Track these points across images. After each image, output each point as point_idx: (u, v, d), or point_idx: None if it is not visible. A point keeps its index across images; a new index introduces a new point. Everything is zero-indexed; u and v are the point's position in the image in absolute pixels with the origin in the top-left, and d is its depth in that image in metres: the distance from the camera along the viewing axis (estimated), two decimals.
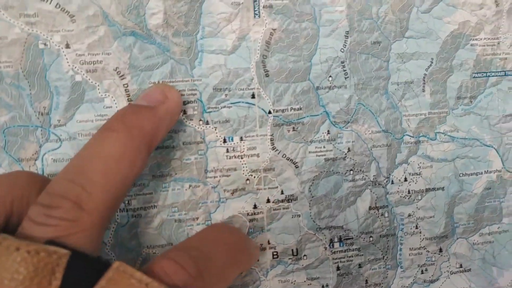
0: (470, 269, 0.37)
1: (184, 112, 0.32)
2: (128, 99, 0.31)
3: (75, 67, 0.30)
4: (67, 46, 0.30)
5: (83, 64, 0.30)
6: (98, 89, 0.30)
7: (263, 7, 0.32)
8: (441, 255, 0.37)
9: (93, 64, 0.30)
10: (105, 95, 0.30)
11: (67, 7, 0.29)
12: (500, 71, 0.37)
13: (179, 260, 0.24)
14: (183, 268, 0.23)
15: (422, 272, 0.36)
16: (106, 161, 0.24)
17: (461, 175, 0.37)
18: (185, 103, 0.32)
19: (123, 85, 0.31)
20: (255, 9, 0.32)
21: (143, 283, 0.21)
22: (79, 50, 0.30)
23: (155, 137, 0.26)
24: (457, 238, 0.37)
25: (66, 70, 0.30)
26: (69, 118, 0.30)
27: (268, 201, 0.33)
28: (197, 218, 0.32)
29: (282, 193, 0.34)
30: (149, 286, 0.21)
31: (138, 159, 0.25)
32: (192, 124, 0.32)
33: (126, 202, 0.31)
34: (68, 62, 0.30)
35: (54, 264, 0.20)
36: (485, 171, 0.37)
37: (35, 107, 0.30)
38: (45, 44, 0.29)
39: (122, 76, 0.30)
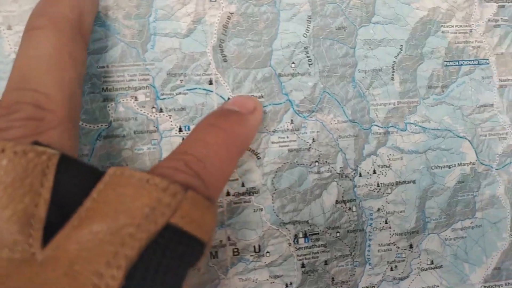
0: (441, 265, 0.35)
1: (135, 98, 0.30)
2: None
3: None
4: (9, 28, 0.28)
5: None
6: None
7: None
8: (412, 251, 0.35)
9: None
10: None
11: None
12: (473, 60, 0.36)
13: (174, 165, 0.22)
14: (180, 171, 0.22)
15: (391, 269, 0.35)
16: (46, 60, 0.22)
17: (433, 167, 0.35)
18: (136, 88, 0.30)
19: None
20: None
21: (143, 179, 0.20)
22: (21, 32, 0.28)
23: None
24: (429, 234, 0.35)
25: (7, 53, 0.28)
26: None
27: (228, 194, 0.32)
28: None
29: (243, 185, 0.32)
30: (150, 182, 0.19)
31: (76, 50, 0.24)
32: (144, 112, 0.30)
33: None
34: (9, 44, 0.28)
35: (44, 165, 0.19)
36: (458, 163, 0.36)
37: None
38: None
39: None
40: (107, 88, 0.29)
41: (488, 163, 0.36)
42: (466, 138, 0.36)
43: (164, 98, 0.30)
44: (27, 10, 0.28)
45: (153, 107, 0.30)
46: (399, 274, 0.35)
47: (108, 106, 0.29)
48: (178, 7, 0.30)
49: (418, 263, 0.35)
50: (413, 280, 0.35)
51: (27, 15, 0.28)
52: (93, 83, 0.29)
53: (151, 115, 0.30)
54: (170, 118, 0.31)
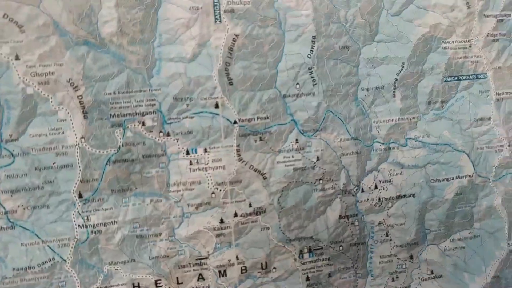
0: (441, 275, 0.37)
1: (143, 123, 0.30)
2: (83, 111, 0.29)
3: (26, 79, 0.28)
4: (17, 58, 0.28)
5: (34, 76, 0.28)
6: (51, 101, 0.29)
7: (224, 11, 0.31)
8: (412, 262, 0.36)
9: (45, 75, 0.28)
10: (59, 107, 0.29)
11: (15, 17, 0.28)
12: (472, 75, 0.37)
13: None
14: None
15: (393, 280, 0.36)
16: None
17: (432, 181, 0.36)
18: (143, 114, 0.30)
19: (78, 96, 0.29)
20: (216, 14, 0.31)
21: None
22: (30, 62, 0.28)
23: None
24: (428, 245, 0.36)
25: (16, 83, 0.28)
26: (22, 132, 0.29)
27: (236, 215, 0.32)
28: (160, 234, 0.31)
29: (250, 206, 0.33)
30: None
31: None
32: (152, 136, 0.31)
33: (85, 217, 0.30)
34: (18, 74, 0.28)
35: None
36: (456, 176, 0.37)
37: None
38: None
39: (76, 87, 0.29)
40: (114, 114, 0.30)
41: (485, 175, 0.37)
42: (464, 152, 0.37)
43: (171, 122, 0.31)
44: (33, 40, 0.28)
45: (161, 131, 0.31)
46: (401, 285, 0.36)
47: (117, 132, 0.30)
48: (183, 30, 0.30)
49: (419, 273, 0.36)
50: None
51: (35, 44, 0.28)
52: (101, 109, 0.29)
53: (158, 139, 0.31)
54: (177, 141, 0.31)
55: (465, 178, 0.37)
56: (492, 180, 0.37)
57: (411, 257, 0.36)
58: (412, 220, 0.36)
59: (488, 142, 0.37)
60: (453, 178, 0.37)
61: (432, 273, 0.37)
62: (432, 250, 0.37)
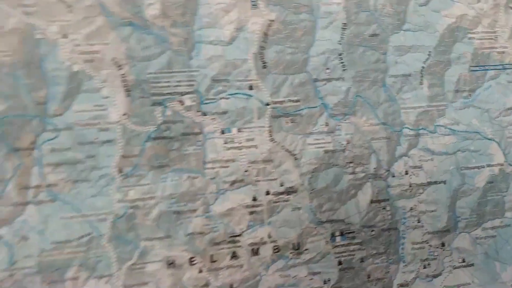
0: (473, 264, 0.36)
1: (182, 103, 0.31)
2: (126, 89, 0.31)
3: (72, 57, 0.30)
4: (64, 36, 0.30)
5: (80, 54, 0.30)
6: (96, 79, 0.30)
7: None
8: (444, 250, 0.36)
9: (91, 54, 0.30)
10: (103, 85, 0.30)
11: None
12: (498, 65, 0.37)
13: None
14: None
15: (424, 267, 0.36)
16: None
17: (462, 168, 0.36)
18: (182, 94, 0.31)
19: (121, 75, 0.30)
20: (253, 0, 0.32)
21: None
22: (76, 40, 0.30)
23: None
24: (460, 233, 0.36)
25: (63, 60, 0.30)
26: (66, 108, 0.30)
27: (268, 193, 0.33)
28: (196, 210, 0.32)
29: (281, 185, 0.33)
30: None
31: None
32: (190, 115, 0.32)
33: (124, 193, 0.31)
34: (65, 52, 0.30)
35: None
36: (487, 164, 0.37)
37: (32, 97, 0.29)
38: (42, 34, 0.29)
39: (119, 66, 0.30)
40: (155, 93, 0.31)
41: None
42: (494, 140, 0.37)
43: (208, 103, 0.32)
44: (81, 20, 0.30)
45: (198, 111, 0.32)
46: (432, 272, 0.36)
47: (157, 110, 0.31)
48: (222, 14, 0.32)
49: (450, 261, 0.36)
50: (445, 277, 0.36)
51: (82, 24, 0.30)
52: (143, 88, 0.31)
53: (196, 118, 0.32)
54: (213, 121, 0.32)
55: (496, 166, 0.37)
56: None
57: (443, 245, 0.36)
58: (443, 207, 0.36)
59: None
60: (483, 166, 0.37)
61: (464, 261, 0.36)
62: (464, 238, 0.36)
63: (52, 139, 0.30)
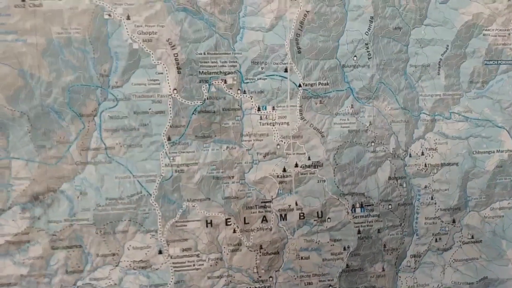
0: (481, 240, 0.40)
1: (225, 81, 0.36)
2: (177, 67, 0.35)
3: (133, 36, 0.34)
4: (128, 18, 0.34)
5: (140, 34, 0.34)
6: (152, 57, 0.34)
7: None
8: (454, 226, 0.39)
9: (149, 34, 0.34)
10: (158, 62, 0.35)
11: None
12: (510, 60, 0.41)
13: None
14: None
15: (436, 241, 0.39)
16: None
17: (474, 152, 0.40)
18: (226, 73, 0.36)
19: (174, 54, 0.35)
20: None
21: None
22: (138, 22, 0.34)
23: None
24: (470, 211, 0.40)
25: (125, 39, 0.34)
26: (126, 80, 0.34)
27: (296, 165, 0.37)
28: (233, 177, 0.36)
29: (309, 159, 0.37)
30: None
31: None
32: (231, 93, 0.36)
33: (171, 158, 0.35)
34: (127, 31, 0.34)
35: None
36: (497, 150, 0.40)
37: (97, 69, 0.34)
38: (109, 15, 0.34)
39: (173, 46, 0.35)
40: (203, 71, 0.35)
41: None
42: (504, 128, 0.40)
43: (247, 82, 0.36)
44: (142, 4, 0.34)
45: (239, 89, 0.36)
46: (443, 246, 0.39)
47: (203, 87, 0.35)
48: (264, 4, 0.36)
49: (460, 237, 0.40)
50: (455, 251, 0.39)
51: (143, 8, 0.34)
52: (192, 67, 0.35)
53: (236, 96, 0.36)
54: (251, 99, 0.36)
55: (505, 152, 0.40)
56: None
57: (454, 221, 0.39)
58: (455, 187, 0.39)
59: None
60: (493, 152, 0.40)
61: (472, 238, 0.40)
62: (473, 216, 0.40)
63: (111, 107, 0.34)
